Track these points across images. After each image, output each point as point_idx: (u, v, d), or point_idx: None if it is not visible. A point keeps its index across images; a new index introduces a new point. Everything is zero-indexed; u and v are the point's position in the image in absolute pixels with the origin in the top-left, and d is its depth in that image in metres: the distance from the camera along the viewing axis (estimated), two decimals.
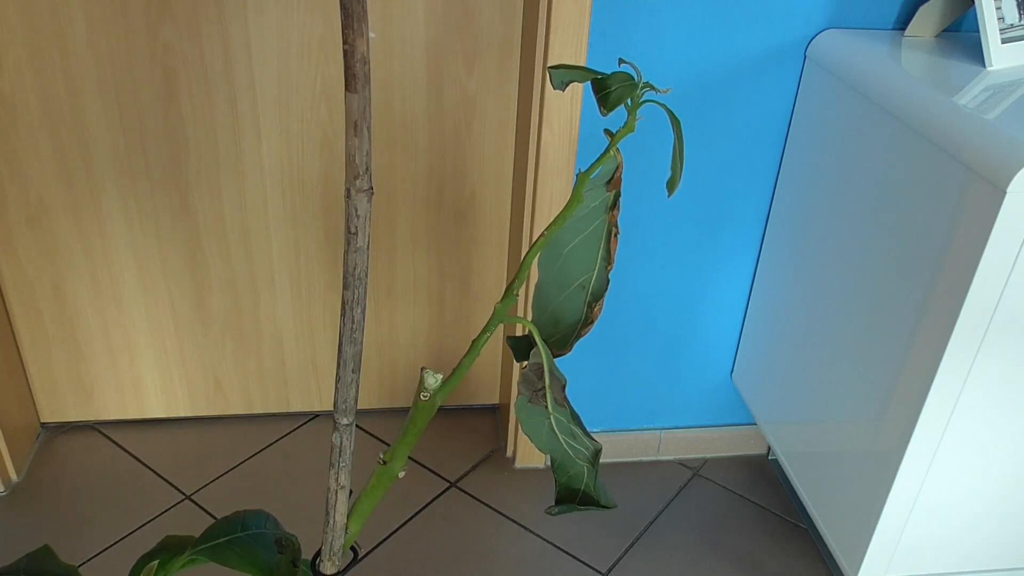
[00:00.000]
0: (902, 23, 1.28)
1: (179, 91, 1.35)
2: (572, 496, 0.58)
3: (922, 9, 1.23)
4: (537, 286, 0.59)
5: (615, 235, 0.55)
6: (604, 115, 0.52)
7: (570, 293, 0.57)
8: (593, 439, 0.60)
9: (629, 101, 0.51)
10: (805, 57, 1.29)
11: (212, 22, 1.30)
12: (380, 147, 1.44)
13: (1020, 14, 1.14)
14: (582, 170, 0.55)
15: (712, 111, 1.32)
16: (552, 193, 1.34)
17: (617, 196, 0.55)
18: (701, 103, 1.31)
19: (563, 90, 0.66)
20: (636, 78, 0.52)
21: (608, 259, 0.55)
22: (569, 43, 1.22)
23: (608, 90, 0.50)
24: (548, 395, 0.57)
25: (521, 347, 0.60)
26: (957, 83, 1.09)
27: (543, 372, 0.57)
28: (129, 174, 1.41)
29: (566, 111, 1.27)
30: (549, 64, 1.24)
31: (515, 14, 1.36)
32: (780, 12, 1.25)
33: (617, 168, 0.55)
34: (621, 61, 0.55)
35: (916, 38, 1.25)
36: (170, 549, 0.64)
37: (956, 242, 0.96)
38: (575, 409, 0.61)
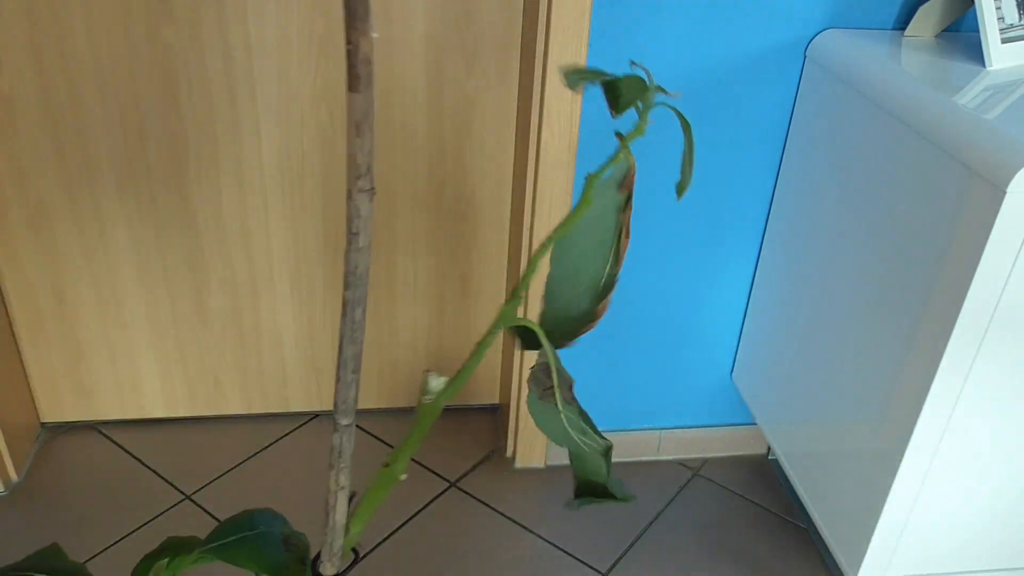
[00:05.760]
0: (902, 23, 1.28)
1: (179, 91, 1.35)
2: (592, 489, 0.58)
3: (922, 9, 1.23)
4: (548, 283, 0.59)
5: (625, 235, 0.55)
6: (614, 117, 0.52)
7: (580, 291, 0.57)
8: (603, 436, 0.60)
9: (640, 104, 0.51)
10: (805, 57, 1.29)
11: (212, 22, 1.30)
12: (380, 147, 1.44)
13: (1020, 14, 1.15)
14: (589, 172, 0.55)
15: (712, 111, 1.32)
16: (552, 192, 1.34)
17: (629, 198, 0.55)
18: (701, 103, 1.31)
19: (574, 89, 0.66)
20: (648, 81, 0.52)
21: (617, 259, 0.56)
22: (569, 43, 1.22)
23: (619, 92, 0.50)
24: (557, 394, 0.57)
25: (527, 337, 0.60)
26: (957, 83, 1.09)
27: (551, 371, 0.57)
28: (129, 174, 1.40)
29: (566, 110, 1.27)
30: (550, 63, 1.24)
31: (515, 14, 1.36)
32: (780, 12, 1.25)
33: (629, 170, 0.55)
34: (633, 64, 0.55)
35: (916, 38, 1.25)
36: (172, 550, 0.64)
37: (956, 242, 0.96)
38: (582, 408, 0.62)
